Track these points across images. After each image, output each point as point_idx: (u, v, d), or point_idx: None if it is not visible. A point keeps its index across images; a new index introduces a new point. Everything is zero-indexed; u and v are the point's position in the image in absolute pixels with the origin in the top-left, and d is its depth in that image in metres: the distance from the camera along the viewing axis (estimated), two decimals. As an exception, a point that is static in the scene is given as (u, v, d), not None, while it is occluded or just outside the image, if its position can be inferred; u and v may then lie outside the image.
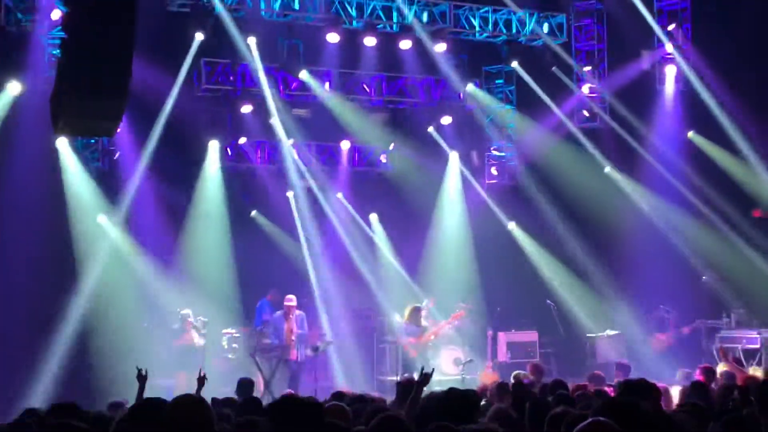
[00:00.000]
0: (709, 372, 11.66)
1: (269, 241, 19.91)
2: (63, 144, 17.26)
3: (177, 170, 18.43)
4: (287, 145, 19.68)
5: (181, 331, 16.55)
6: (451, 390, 6.88)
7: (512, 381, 11.21)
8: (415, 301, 18.33)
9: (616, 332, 18.92)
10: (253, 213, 20.00)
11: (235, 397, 10.25)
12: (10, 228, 15.94)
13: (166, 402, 5.32)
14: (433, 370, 8.56)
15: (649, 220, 20.25)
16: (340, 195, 20.74)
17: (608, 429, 4.46)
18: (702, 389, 9.48)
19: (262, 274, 18.94)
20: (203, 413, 5.28)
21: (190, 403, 5.35)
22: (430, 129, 20.73)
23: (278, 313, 17.18)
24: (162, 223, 18.29)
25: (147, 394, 7.50)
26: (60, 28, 15.78)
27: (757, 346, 17.59)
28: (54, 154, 16.98)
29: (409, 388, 8.53)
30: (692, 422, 5.96)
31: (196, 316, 16.57)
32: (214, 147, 19.02)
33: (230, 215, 19.11)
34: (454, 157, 21.05)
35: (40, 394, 15.01)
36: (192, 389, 15.61)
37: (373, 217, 21.07)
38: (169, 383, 16.05)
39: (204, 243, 18.57)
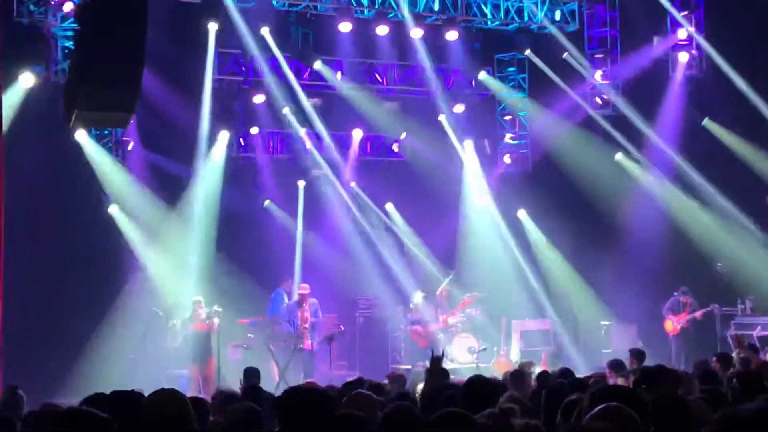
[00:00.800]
0: (726, 359, 11.62)
1: (282, 230, 19.92)
2: (82, 135, 17.29)
3: (188, 161, 18.42)
4: (300, 134, 19.68)
5: (192, 319, 16.51)
6: (473, 378, 6.91)
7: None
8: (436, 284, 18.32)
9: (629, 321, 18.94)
10: (266, 203, 19.99)
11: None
12: (22, 220, 16.01)
13: (141, 396, 5.33)
14: (442, 355, 8.57)
15: (662, 207, 20.19)
16: (353, 184, 20.74)
17: (620, 413, 4.44)
18: (714, 377, 9.47)
19: (276, 264, 18.98)
20: (180, 407, 5.34)
21: (167, 397, 5.42)
22: (442, 117, 20.67)
23: (292, 301, 17.21)
24: (172, 213, 18.33)
25: (164, 384, 7.49)
26: (73, 20, 15.81)
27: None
28: (68, 145, 16.99)
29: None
30: (710, 410, 5.94)
31: (211, 306, 16.57)
32: (224, 137, 19.01)
33: (242, 205, 19.11)
34: (469, 145, 20.96)
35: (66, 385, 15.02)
36: (206, 378, 15.81)
37: (390, 207, 21.03)
38: (183, 374, 16.14)
39: (216, 234, 18.57)
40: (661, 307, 18.80)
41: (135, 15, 9.35)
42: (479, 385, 6.72)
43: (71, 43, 15.94)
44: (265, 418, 5.94)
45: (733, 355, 12.57)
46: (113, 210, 17.78)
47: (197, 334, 16.28)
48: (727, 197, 19.51)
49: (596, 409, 4.47)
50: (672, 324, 18.47)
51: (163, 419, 5.34)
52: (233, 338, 17.15)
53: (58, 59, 16.54)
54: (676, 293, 18.63)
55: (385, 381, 9.91)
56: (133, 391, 6.18)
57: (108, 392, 6.04)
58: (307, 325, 16.80)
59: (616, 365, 11.26)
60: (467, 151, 20.98)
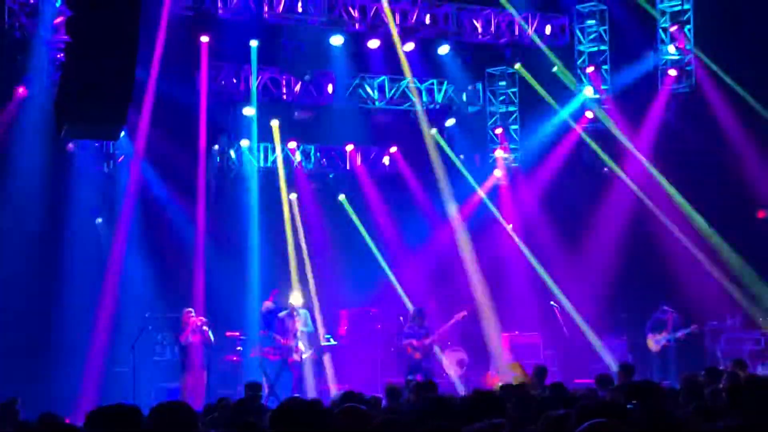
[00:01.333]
0: (715, 374, 11.62)
1: (274, 243, 19.90)
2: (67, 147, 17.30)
3: (180, 172, 18.42)
4: (289, 147, 19.71)
5: (183, 331, 16.43)
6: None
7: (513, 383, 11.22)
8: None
9: (619, 334, 18.94)
10: (255, 215, 19.96)
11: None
12: (12, 230, 16.00)
13: (138, 410, 5.30)
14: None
15: (652, 220, 20.22)
16: (342, 197, 20.75)
17: (608, 429, 4.44)
18: (700, 391, 9.46)
19: (265, 276, 18.96)
20: (187, 419, 5.32)
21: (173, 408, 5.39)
22: (434, 131, 20.71)
23: (283, 312, 17.17)
24: (163, 224, 18.31)
25: (153, 397, 7.48)
26: (64, 32, 15.79)
27: (762, 347, 17.58)
28: (58, 156, 16.98)
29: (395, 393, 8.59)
30: (699, 423, 5.95)
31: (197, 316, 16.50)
32: (217, 149, 19.02)
33: (234, 217, 19.10)
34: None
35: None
36: (195, 391, 15.75)
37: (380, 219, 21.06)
38: (174, 386, 16.09)
39: (208, 245, 18.55)
40: (648, 320, 18.83)
41: (126, 27, 9.37)
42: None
43: (63, 54, 15.92)
44: None
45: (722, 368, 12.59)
46: (99, 222, 17.75)
47: (188, 346, 16.21)
48: (717, 210, 19.50)
49: (583, 426, 4.47)
50: (653, 342, 18.43)
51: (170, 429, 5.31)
52: (222, 351, 17.10)
53: (49, 71, 16.53)
54: (661, 307, 18.59)
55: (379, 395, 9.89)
56: (132, 405, 6.16)
57: (99, 405, 6.02)
58: (298, 336, 16.72)
59: (604, 379, 11.25)
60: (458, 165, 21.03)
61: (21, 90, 16.27)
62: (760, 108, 18.94)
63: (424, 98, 20.39)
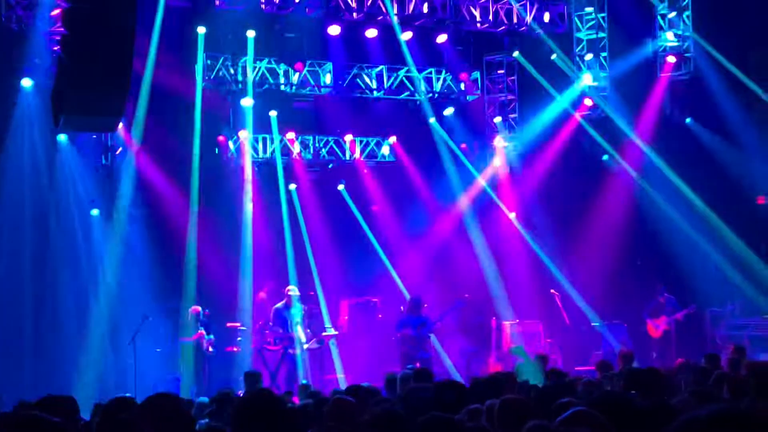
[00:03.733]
0: (714, 360, 11.64)
1: (272, 234, 19.89)
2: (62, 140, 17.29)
3: (177, 163, 18.39)
4: (288, 138, 19.69)
5: (193, 329, 16.42)
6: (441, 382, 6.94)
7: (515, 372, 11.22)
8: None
9: (618, 321, 18.97)
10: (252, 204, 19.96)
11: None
12: (8, 222, 16.01)
13: (133, 400, 5.32)
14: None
15: (650, 208, 20.21)
16: (341, 187, 20.75)
17: (590, 418, 4.46)
18: (703, 375, 9.48)
19: (264, 267, 18.95)
20: (179, 411, 5.34)
21: (165, 400, 5.41)
22: (432, 120, 20.69)
23: (279, 304, 17.16)
24: (161, 215, 18.29)
25: (153, 388, 7.50)
26: (61, 24, 15.77)
27: (762, 333, 17.61)
28: (55, 149, 16.98)
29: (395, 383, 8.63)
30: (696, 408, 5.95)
31: (194, 309, 16.49)
32: (215, 141, 19.00)
33: (232, 208, 19.07)
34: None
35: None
36: (198, 384, 15.78)
37: (378, 209, 21.06)
38: (174, 377, 16.12)
39: (207, 237, 18.54)
40: (646, 306, 18.87)
41: (123, 19, 9.34)
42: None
43: (60, 47, 15.90)
44: None
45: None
46: (95, 213, 17.73)
47: (193, 342, 16.24)
48: (715, 197, 19.49)
49: (567, 413, 4.50)
50: (653, 328, 18.48)
51: (162, 422, 5.33)
52: (222, 342, 17.12)
53: (47, 63, 16.50)
54: (658, 292, 18.67)
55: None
56: (127, 396, 6.19)
57: (96, 397, 6.04)
58: (296, 327, 16.74)
59: (604, 366, 11.28)
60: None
61: (18, 82, 16.24)
62: (761, 93, 18.90)
63: (423, 87, 20.36)
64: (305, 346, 16.89)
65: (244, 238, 18.70)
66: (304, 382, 14.02)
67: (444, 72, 20.50)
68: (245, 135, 19.37)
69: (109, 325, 16.73)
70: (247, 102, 18.99)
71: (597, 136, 20.53)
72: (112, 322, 16.78)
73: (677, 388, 8.20)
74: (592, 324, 19.12)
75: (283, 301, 17.07)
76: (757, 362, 10.74)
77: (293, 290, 17.21)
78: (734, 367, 10.77)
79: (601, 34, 20.40)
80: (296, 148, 19.94)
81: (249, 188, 18.96)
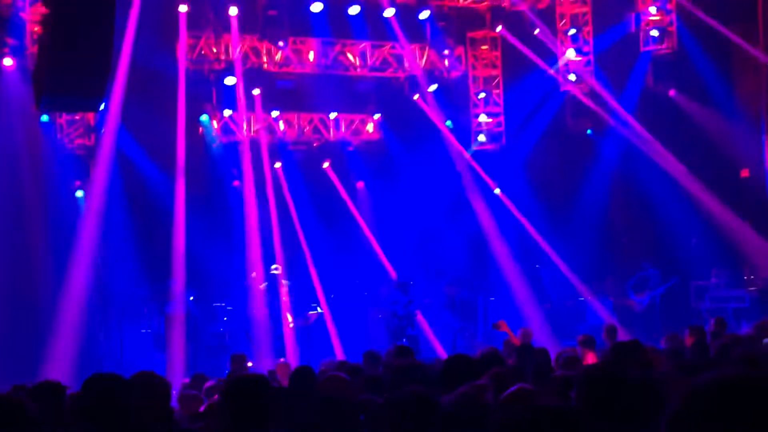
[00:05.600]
0: (699, 332, 11.70)
1: (258, 213, 19.85)
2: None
3: (161, 143, 18.31)
4: (273, 116, 19.64)
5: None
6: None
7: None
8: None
9: (603, 296, 19.08)
10: (236, 184, 19.92)
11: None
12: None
13: (120, 379, 5.32)
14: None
15: (635, 181, 20.28)
16: (326, 165, 20.72)
17: (530, 395, 4.54)
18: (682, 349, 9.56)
19: (254, 246, 18.93)
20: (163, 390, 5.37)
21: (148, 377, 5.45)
22: (416, 97, 20.65)
23: (265, 284, 17.18)
24: (145, 196, 18.25)
25: (138, 369, 7.49)
26: (41, 4, 15.66)
27: (746, 305, 17.73)
28: (37, 130, 16.89)
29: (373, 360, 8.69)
30: (679, 380, 6.00)
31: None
32: (199, 120, 18.93)
33: (216, 187, 19.04)
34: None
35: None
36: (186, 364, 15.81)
37: (362, 186, 21.07)
38: (160, 357, 16.13)
39: (191, 217, 18.50)
40: (630, 280, 18.98)
41: (103, -2, 9.27)
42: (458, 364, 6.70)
43: (40, 27, 15.79)
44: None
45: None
46: (80, 195, 17.66)
47: (174, 318, 16.25)
48: (699, 170, 19.56)
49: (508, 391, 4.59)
50: (636, 303, 18.61)
51: (145, 399, 5.35)
52: (208, 322, 17.14)
53: (27, 44, 16.39)
54: (642, 265, 18.80)
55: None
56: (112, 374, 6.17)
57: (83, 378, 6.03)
58: (283, 306, 16.80)
59: (588, 341, 11.34)
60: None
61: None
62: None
63: (406, 64, 20.30)
64: (290, 325, 16.92)
65: (232, 217, 18.71)
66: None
67: (427, 48, 20.44)
68: (229, 114, 19.31)
69: (96, 307, 16.70)
70: (230, 81, 18.91)
71: (581, 110, 20.54)
72: (99, 304, 16.75)
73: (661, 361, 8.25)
74: (578, 298, 19.20)
75: (267, 281, 17.10)
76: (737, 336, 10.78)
77: (277, 269, 17.22)
78: (715, 340, 10.83)
79: (584, 9, 20.39)
80: (280, 127, 19.88)
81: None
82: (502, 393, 5.35)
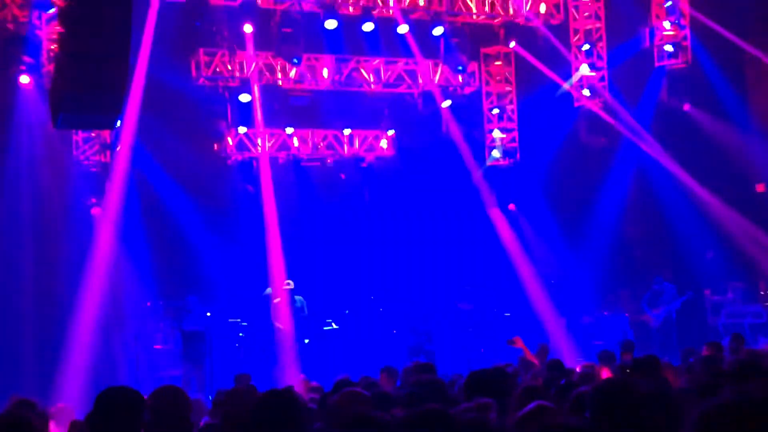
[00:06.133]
0: (716, 348, 11.64)
1: (274, 228, 19.86)
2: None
3: (177, 160, 18.38)
4: (287, 133, 19.69)
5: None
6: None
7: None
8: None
9: (619, 311, 18.99)
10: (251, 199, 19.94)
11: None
12: (9, 222, 16.01)
13: (134, 393, 5.32)
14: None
15: (651, 196, 20.23)
16: (340, 180, 20.75)
17: (549, 412, 4.51)
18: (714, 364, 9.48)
19: (268, 262, 18.96)
20: (182, 402, 5.37)
21: (169, 392, 5.45)
22: (430, 112, 20.66)
23: (277, 299, 17.20)
24: (161, 212, 18.29)
25: (153, 386, 7.49)
26: (57, 23, 15.77)
27: (763, 320, 17.63)
28: (54, 147, 16.98)
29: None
30: (694, 398, 5.97)
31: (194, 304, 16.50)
32: (213, 137, 18.99)
33: (231, 204, 19.08)
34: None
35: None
36: (199, 379, 15.80)
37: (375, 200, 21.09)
38: (175, 374, 16.13)
39: (207, 233, 18.55)
40: (645, 295, 18.90)
41: (119, 16, 9.32)
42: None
43: (56, 45, 15.90)
44: None
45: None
46: (95, 212, 17.72)
47: (191, 335, 16.24)
48: (714, 184, 19.50)
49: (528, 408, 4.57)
50: (651, 318, 18.53)
51: (165, 414, 5.36)
52: (224, 338, 17.14)
53: (44, 62, 16.51)
54: (655, 280, 18.73)
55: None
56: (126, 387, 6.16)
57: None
58: (293, 321, 16.82)
59: (606, 357, 11.30)
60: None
61: (15, 81, 16.23)
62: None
63: (420, 80, 20.35)
64: (306, 341, 16.92)
65: (247, 233, 18.74)
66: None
67: (441, 65, 20.47)
68: (244, 130, 19.38)
69: (112, 324, 16.73)
70: (245, 98, 18.97)
71: (595, 125, 20.52)
72: (115, 321, 16.79)
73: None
74: (594, 313, 19.13)
75: (278, 298, 17.11)
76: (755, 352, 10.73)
77: (290, 284, 17.23)
78: (734, 356, 10.78)
79: (598, 25, 20.40)
80: (295, 143, 19.94)
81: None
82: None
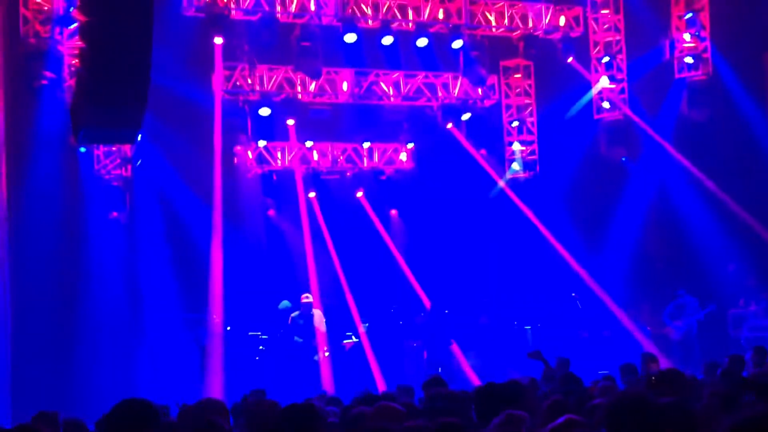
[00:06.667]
0: (739, 362, 11.55)
1: (293, 243, 19.92)
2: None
3: (197, 173, 18.44)
4: (306, 146, 19.74)
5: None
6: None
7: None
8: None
9: (641, 324, 18.89)
10: (271, 214, 20.01)
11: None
12: (31, 235, 16.10)
13: (150, 404, 5.31)
14: None
15: (673, 209, 20.14)
16: (360, 194, 20.77)
17: (579, 425, 4.48)
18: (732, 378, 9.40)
19: (288, 276, 18.98)
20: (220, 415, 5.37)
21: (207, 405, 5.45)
22: (450, 126, 20.67)
23: (296, 313, 17.22)
24: (181, 226, 18.35)
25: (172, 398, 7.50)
26: (78, 38, 15.88)
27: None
28: (76, 162, 17.09)
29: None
30: (716, 412, 5.92)
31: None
32: (234, 151, 19.07)
33: (251, 217, 19.12)
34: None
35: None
36: (223, 394, 15.81)
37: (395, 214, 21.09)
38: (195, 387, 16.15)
39: (228, 247, 18.58)
40: (666, 308, 18.80)
41: (140, 31, 9.37)
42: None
43: (77, 60, 16.00)
44: None
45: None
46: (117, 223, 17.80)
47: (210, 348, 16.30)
48: (736, 198, 19.40)
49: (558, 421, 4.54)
50: (673, 330, 18.41)
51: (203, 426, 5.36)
52: (244, 351, 17.16)
53: (65, 77, 16.61)
54: (678, 293, 18.62)
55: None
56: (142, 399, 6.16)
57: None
58: (316, 335, 16.82)
59: (628, 369, 11.22)
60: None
61: (37, 96, 16.34)
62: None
63: (439, 93, 20.37)
64: (326, 354, 16.92)
65: (267, 246, 18.78)
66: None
67: (460, 77, 20.48)
68: (264, 144, 19.45)
69: (132, 338, 16.80)
70: (264, 111, 19.03)
71: (615, 138, 20.46)
72: (136, 335, 16.85)
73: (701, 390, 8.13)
74: (615, 326, 19.04)
75: (299, 310, 17.11)
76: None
77: (308, 298, 17.25)
78: (756, 369, 10.69)
79: (618, 37, 20.36)
80: (314, 157, 19.99)
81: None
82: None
